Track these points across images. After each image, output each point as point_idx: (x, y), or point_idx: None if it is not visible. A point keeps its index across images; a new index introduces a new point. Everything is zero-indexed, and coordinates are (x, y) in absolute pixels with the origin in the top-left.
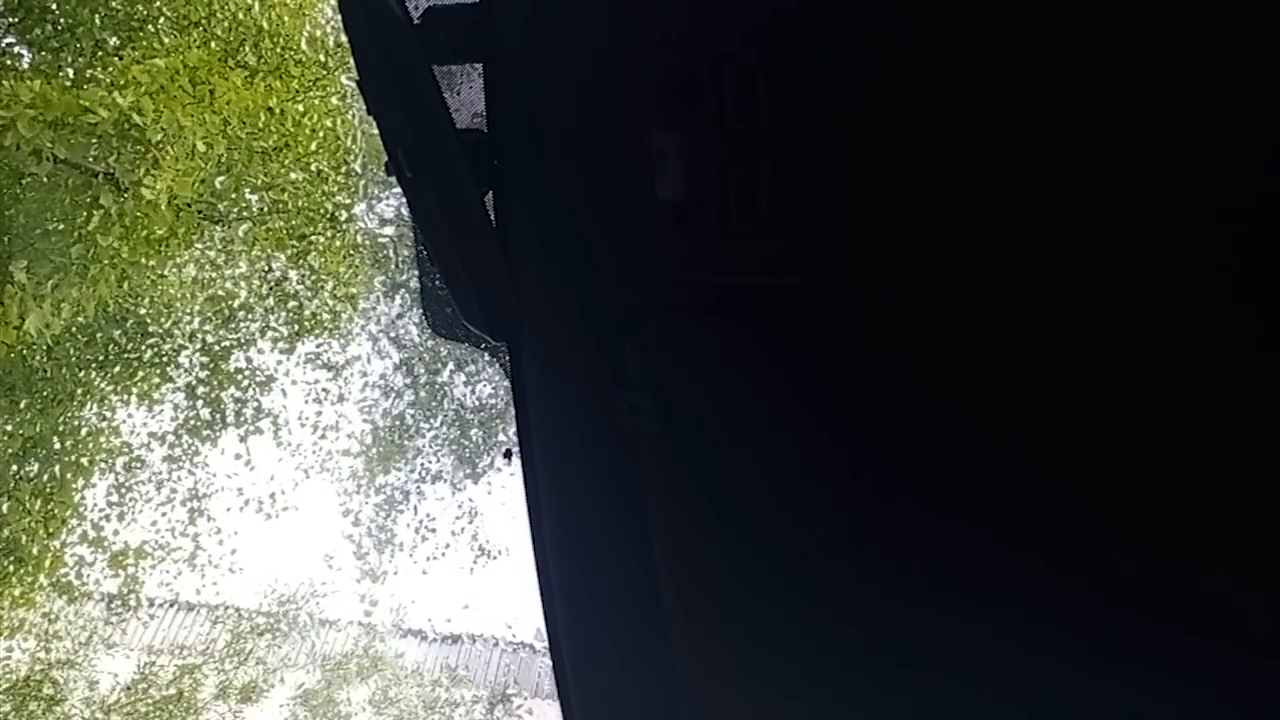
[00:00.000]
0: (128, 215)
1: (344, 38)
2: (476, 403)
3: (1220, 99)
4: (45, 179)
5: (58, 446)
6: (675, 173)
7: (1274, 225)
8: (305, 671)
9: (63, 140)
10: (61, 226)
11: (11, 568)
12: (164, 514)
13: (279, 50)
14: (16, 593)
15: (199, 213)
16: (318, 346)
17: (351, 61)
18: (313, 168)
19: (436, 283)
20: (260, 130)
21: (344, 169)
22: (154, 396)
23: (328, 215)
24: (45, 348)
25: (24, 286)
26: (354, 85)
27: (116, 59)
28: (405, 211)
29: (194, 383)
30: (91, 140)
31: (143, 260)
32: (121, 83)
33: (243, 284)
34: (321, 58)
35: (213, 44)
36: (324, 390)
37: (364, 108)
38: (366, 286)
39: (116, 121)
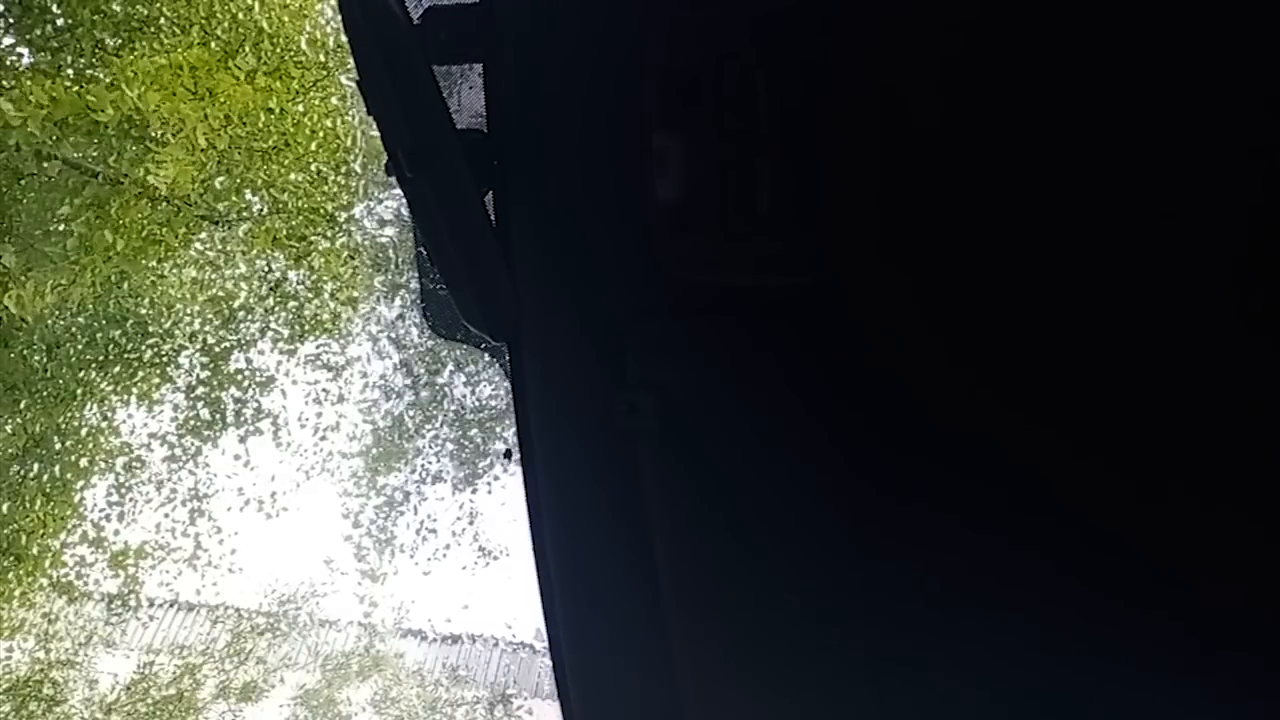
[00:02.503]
0: (127, 214)
1: (344, 38)
2: (476, 403)
3: (1221, 94)
4: (45, 179)
5: (58, 446)
6: (675, 173)
7: (1276, 221)
8: (306, 671)
9: (63, 140)
10: (62, 227)
11: (11, 568)
12: (164, 514)
13: (279, 51)
14: (17, 593)
15: (199, 214)
16: (318, 347)
17: (351, 62)
18: (313, 168)
19: (436, 283)
20: (260, 131)
21: (344, 170)
22: (154, 397)
23: (327, 216)
24: (46, 348)
25: (9, 269)
26: (354, 85)
27: (116, 59)
28: (405, 212)
29: (194, 383)
30: (92, 140)
31: (139, 258)
32: (124, 79)
33: (243, 285)
34: (321, 58)
35: (213, 44)
36: (324, 391)
37: (364, 108)
38: (366, 287)
39: (120, 119)
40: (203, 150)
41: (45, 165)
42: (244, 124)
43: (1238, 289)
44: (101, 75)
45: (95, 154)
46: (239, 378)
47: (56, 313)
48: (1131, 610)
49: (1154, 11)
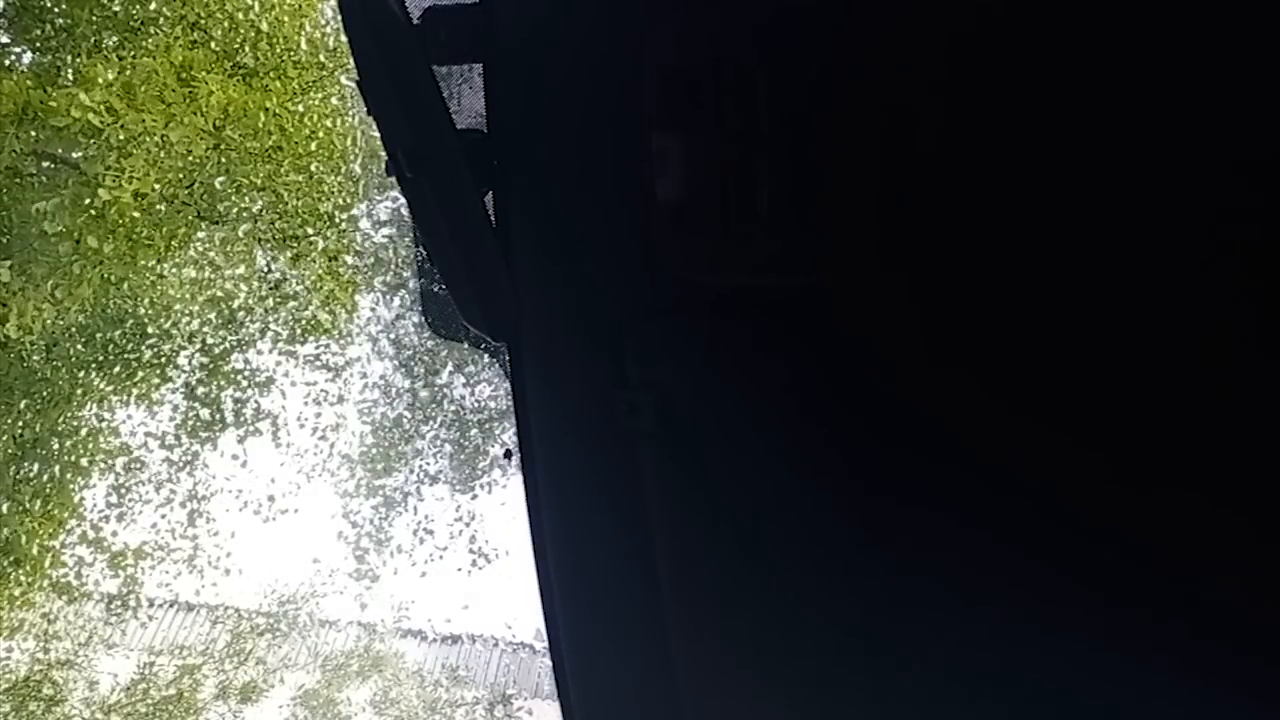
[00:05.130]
0: (123, 216)
1: (344, 38)
2: (476, 404)
3: (1220, 99)
4: (44, 179)
5: (56, 447)
6: (675, 173)
7: (1275, 225)
8: (305, 672)
9: (58, 139)
10: (60, 228)
11: (11, 568)
12: (163, 515)
13: (278, 51)
14: (16, 593)
15: (194, 214)
16: (317, 348)
17: (351, 62)
18: (312, 169)
19: (436, 283)
20: (259, 131)
21: (343, 170)
22: (153, 397)
23: (327, 216)
24: (44, 348)
25: (8, 285)
26: (354, 86)
27: (108, 58)
28: (404, 212)
29: (193, 383)
30: (91, 141)
31: (132, 260)
32: (102, 82)
33: (242, 285)
34: (321, 59)
35: (211, 45)
36: (323, 391)
37: (364, 108)
38: (366, 287)
39: (90, 121)
40: (183, 155)
41: (45, 165)
42: (242, 124)
43: (1238, 289)
44: (97, 74)
45: (95, 154)
46: (238, 378)
47: (54, 315)
48: (1130, 609)
49: (1153, 22)
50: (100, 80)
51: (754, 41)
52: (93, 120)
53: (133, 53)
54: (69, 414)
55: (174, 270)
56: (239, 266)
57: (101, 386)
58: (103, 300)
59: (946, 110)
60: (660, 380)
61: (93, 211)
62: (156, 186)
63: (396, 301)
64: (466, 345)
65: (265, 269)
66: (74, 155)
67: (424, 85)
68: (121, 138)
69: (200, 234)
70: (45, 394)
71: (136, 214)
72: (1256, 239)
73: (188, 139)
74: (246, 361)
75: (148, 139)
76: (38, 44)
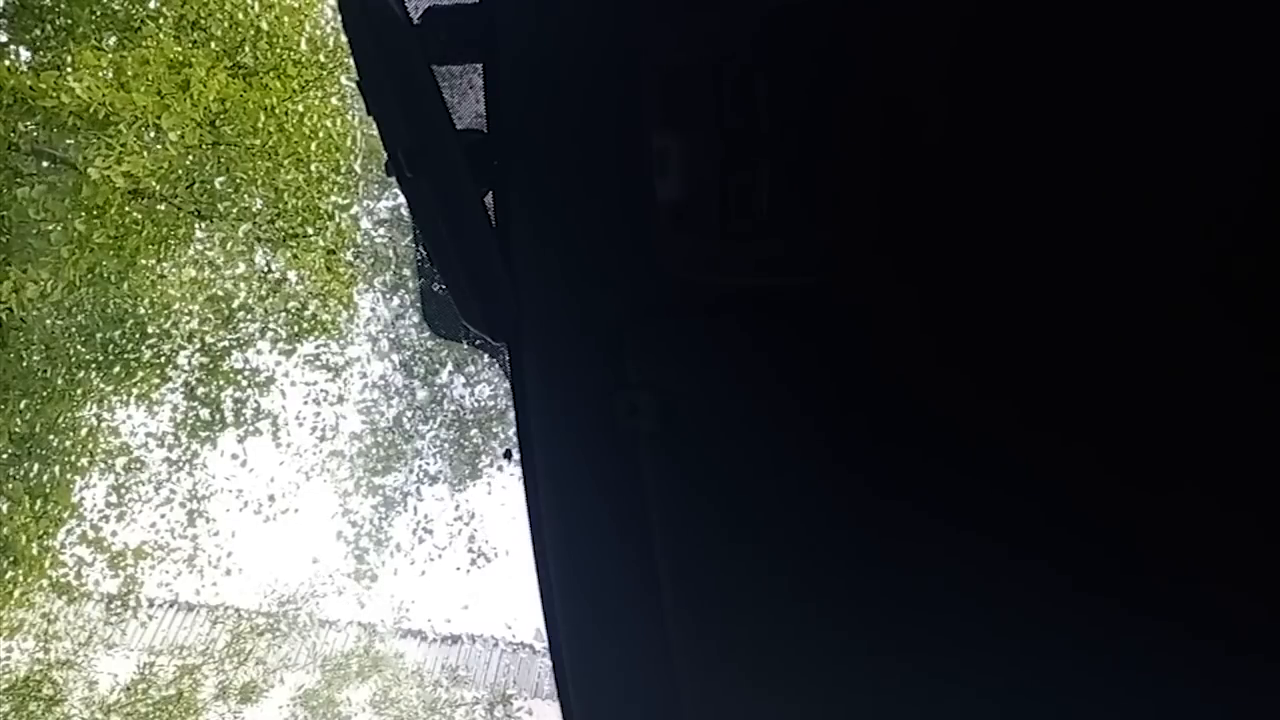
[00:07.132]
0: (120, 206)
1: (344, 38)
2: (476, 404)
3: (1219, 98)
4: (44, 178)
5: (57, 446)
6: (675, 173)
7: (1273, 226)
8: (305, 672)
9: (57, 136)
10: (61, 227)
11: (10, 568)
12: (163, 515)
13: (277, 50)
14: (16, 593)
15: (190, 211)
16: (317, 347)
17: (351, 62)
18: (312, 168)
19: (436, 283)
20: (258, 130)
21: (343, 169)
22: (153, 397)
23: (327, 215)
24: (44, 348)
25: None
26: (354, 85)
27: (116, 56)
28: (404, 212)
29: (193, 383)
30: (89, 132)
31: (130, 258)
32: (92, 68)
33: (242, 284)
34: (321, 58)
35: (212, 44)
36: (323, 391)
37: (364, 108)
38: (366, 287)
39: (80, 98)
40: (180, 151)
41: (44, 165)
42: (240, 123)
43: (1239, 288)
44: (83, 62)
45: (88, 138)
46: (238, 378)
47: (55, 312)
48: (1131, 610)
49: (1153, 18)
50: (90, 67)
51: (754, 41)
52: (81, 96)
53: (131, 50)
54: (68, 413)
55: (173, 270)
56: (238, 266)
57: (101, 386)
58: (102, 300)
59: (947, 109)
60: (660, 380)
61: (83, 194)
62: (155, 185)
63: (396, 301)
64: (466, 345)
65: (265, 268)
66: (72, 155)
67: (424, 85)
68: (110, 116)
69: (199, 233)
70: (44, 393)
71: (137, 213)
72: (1261, 238)
73: (182, 131)
74: (246, 361)
75: (138, 122)
76: (37, 43)
